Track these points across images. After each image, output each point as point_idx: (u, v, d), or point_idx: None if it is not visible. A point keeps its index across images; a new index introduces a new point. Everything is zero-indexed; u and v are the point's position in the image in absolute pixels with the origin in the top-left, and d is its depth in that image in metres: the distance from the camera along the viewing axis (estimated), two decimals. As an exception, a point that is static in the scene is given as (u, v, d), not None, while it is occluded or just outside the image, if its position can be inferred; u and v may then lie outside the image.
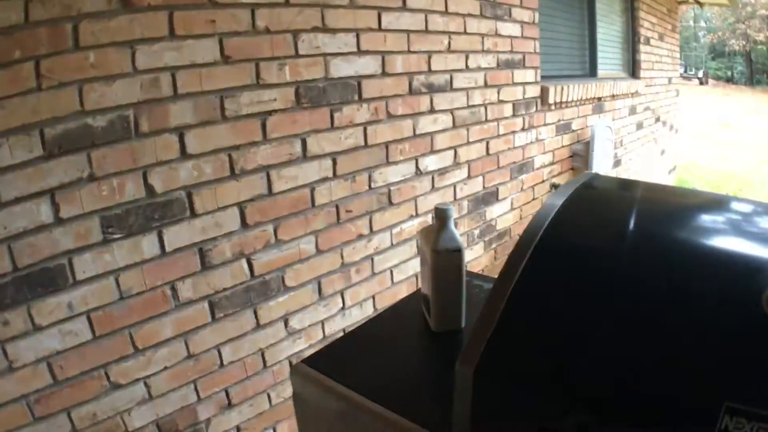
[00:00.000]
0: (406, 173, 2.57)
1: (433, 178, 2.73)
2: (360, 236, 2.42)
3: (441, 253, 1.21)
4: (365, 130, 2.32)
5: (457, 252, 1.22)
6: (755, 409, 0.71)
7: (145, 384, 1.77)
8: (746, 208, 1.10)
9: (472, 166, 2.98)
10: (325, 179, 2.20)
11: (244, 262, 1.97)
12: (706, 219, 1.05)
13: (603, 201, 1.18)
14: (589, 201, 1.12)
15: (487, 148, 3.07)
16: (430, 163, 2.69)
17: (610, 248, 0.96)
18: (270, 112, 1.96)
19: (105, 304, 1.64)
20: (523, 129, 3.34)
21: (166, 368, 1.82)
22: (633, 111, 5.19)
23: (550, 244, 0.93)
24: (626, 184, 1.39)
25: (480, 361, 0.85)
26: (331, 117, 2.17)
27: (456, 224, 2.92)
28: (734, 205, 1.12)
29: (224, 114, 1.83)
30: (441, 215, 1.23)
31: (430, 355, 1.25)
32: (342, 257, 2.36)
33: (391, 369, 1.16)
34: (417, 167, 2.62)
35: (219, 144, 1.83)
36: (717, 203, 1.19)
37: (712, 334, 0.78)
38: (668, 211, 1.11)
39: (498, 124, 3.12)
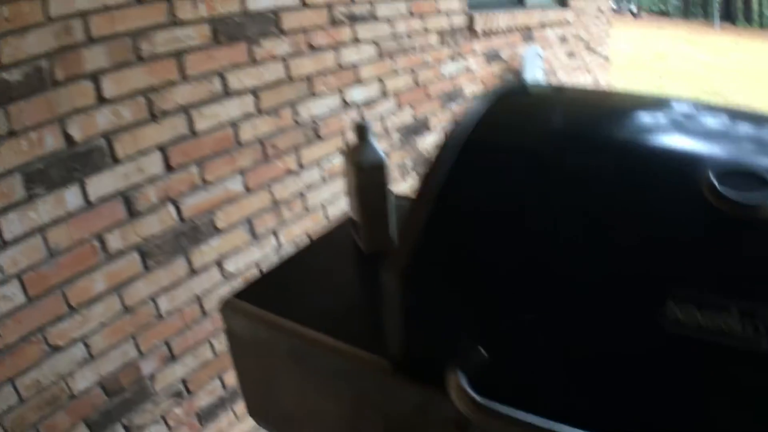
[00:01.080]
0: (332, 106, 2.64)
1: (360, 110, 2.81)
2: (289, 172, 2.49)
3: (364, 170, 1.24)
4: (287, 63, 2.37)
5: (380, 166, 1.25)
6: (703, 296, 0.72)
7: (84, 343, 1.83)
8: (684, 106, 1.10)
9: (400, 97, 3.07)
10: (248, 115, 2.25)
11: (171, 207, 2.03)
12: (643, 116, 1.05)
13: (532, 102, 1.16)
14: (518, 103, 1.11)
15: (415, 78, 3.16)
16: (356, 94, 2.76)
17: (540, 144, 0.95)
18: (186, 50, 1.99)
19: (35, 263, 1.67)
20: (451, 58, 3.43)
21: (103, 325, 1.87)
22: (564, 40, 5.33)
23: (477, 142, 0.93)
24: (557, 88, 1.39)
25: (407, 267, 0.87)
26: (251, 52, 2.21)
27: (388, 154, 3.02)
28: (672, 104, 1.12)
29: (139, 55, 1.85)
30: (360, 131, 1.25)
31: (365, 279, 1.26)
32: (272, 195, 2.43)
33: (327, 296, 1.17)
34: (343, 99, 2.70)
35: (136, 86, 1.86)
36: (654, 102, 1.18)
37: (653, 223, 0.80)
38: (603, 110, 1.10)
39: (425, 54, 3.21)
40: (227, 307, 1.15)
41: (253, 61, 2.23)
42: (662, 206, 0.81)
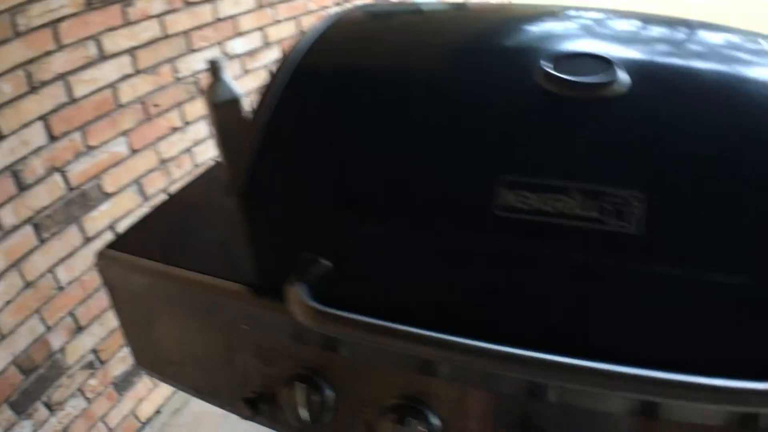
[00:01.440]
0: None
1: (243, 61, 2.91)
2: (174, 129, 2.60)
3: (219, 106, 1.26)
4: (163, 20, 2.44)
5: (234, 101, 1.26)
6: (537, 180, 0.74)
7: (-7, 325, 1.92)
8: (532, 9, 1.14)
9: (285, 46, 3.13)
10: (126, 76, 2.32)
11: (58, 176, 2.10)
12: (485, 22, 1.08)
13: (372, 21, 1.19)
14: (357, 23, 1.15)
15: (299, 26, 3.24)
16: (237, 46, 2.86)
17: (372, 57, 1.00)
18: (61, 19, 2.04)
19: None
20: (336, 4, 3.51)
21: (8, 303, 1.96)
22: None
23: (308, 63, 0.96)
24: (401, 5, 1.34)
25: (244, 186, 0.91)
26: (125, 13, 2.27)
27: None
28: (522, 9, 1.15)
29: (17, 30, 1.91)
30: (213, 68, 1.28)
31: (232, 215, 1.19)
32: (159, 154, 2.54)
33: (197, 236, 1.16)
34: (224, 52, 2.79)
35: (15, 61, 1.91)
36: (500, 10, 1.20)
37: (486, 111, 0.82)
38: (441, 19, 1.13)
39: (308, 1, 3.28)
40: (102, 258, 1.14)
41: (128, 22, 2.29)
42: (497, 99, 0.83)
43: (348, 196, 0.87)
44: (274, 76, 0.97)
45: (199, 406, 1.22)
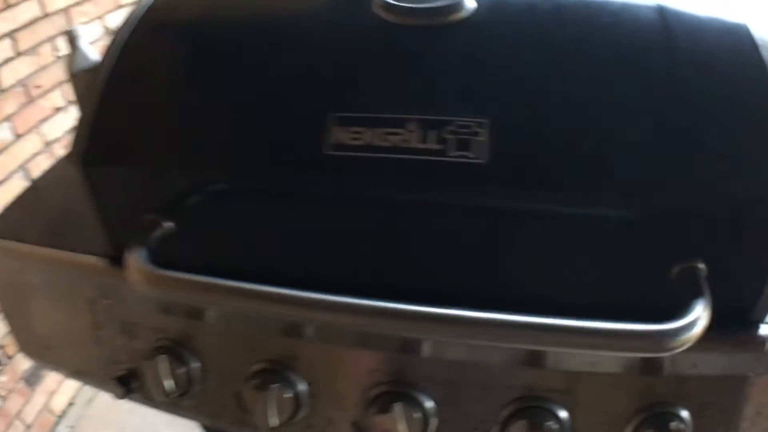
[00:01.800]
0: (95, 35, 2.72)
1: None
2: (57, 110, 2.60)
3: (78, 77, 1.25)
4: (41, 0, 2.42)
5: (92, 71, 1.22)
6: (369, 114, 0.71)
7: None
8: None
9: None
10: (6, 60, 2.30)
11: (-53, 170, 2.07)
12: None
13: None
14: None
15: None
16: (118, 20, 2.80)
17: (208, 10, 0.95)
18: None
19: None
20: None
21: None
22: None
23: (149, 19, 0.91)
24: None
25: (84, 151, 0.86)
26: (3, -3, 2.24)
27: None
28: None
29: None
30: (70, 39, 1.27)
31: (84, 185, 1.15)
32: (44, 136, 2.54)
33: (68, 213, 1.09)
34: (105, 26, 2.79)
35: None
36: None
37: (321, 49, 0.80)
38: None
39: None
40: None
41: (8, 6, 2.26)
42: (333, 34, 0.80)
43: (183, 153, 0.83)
44: (114, 37, 0.91)
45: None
